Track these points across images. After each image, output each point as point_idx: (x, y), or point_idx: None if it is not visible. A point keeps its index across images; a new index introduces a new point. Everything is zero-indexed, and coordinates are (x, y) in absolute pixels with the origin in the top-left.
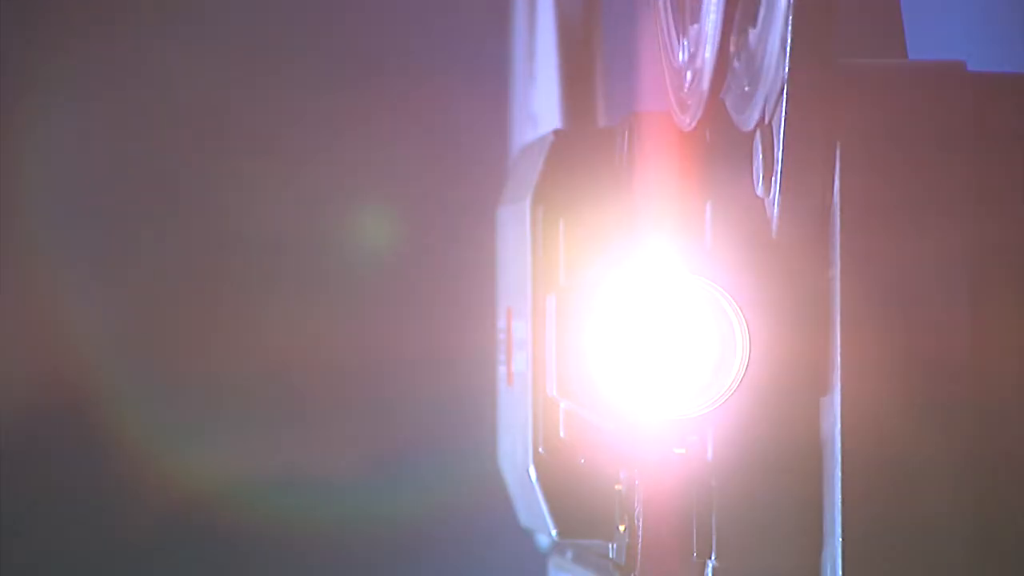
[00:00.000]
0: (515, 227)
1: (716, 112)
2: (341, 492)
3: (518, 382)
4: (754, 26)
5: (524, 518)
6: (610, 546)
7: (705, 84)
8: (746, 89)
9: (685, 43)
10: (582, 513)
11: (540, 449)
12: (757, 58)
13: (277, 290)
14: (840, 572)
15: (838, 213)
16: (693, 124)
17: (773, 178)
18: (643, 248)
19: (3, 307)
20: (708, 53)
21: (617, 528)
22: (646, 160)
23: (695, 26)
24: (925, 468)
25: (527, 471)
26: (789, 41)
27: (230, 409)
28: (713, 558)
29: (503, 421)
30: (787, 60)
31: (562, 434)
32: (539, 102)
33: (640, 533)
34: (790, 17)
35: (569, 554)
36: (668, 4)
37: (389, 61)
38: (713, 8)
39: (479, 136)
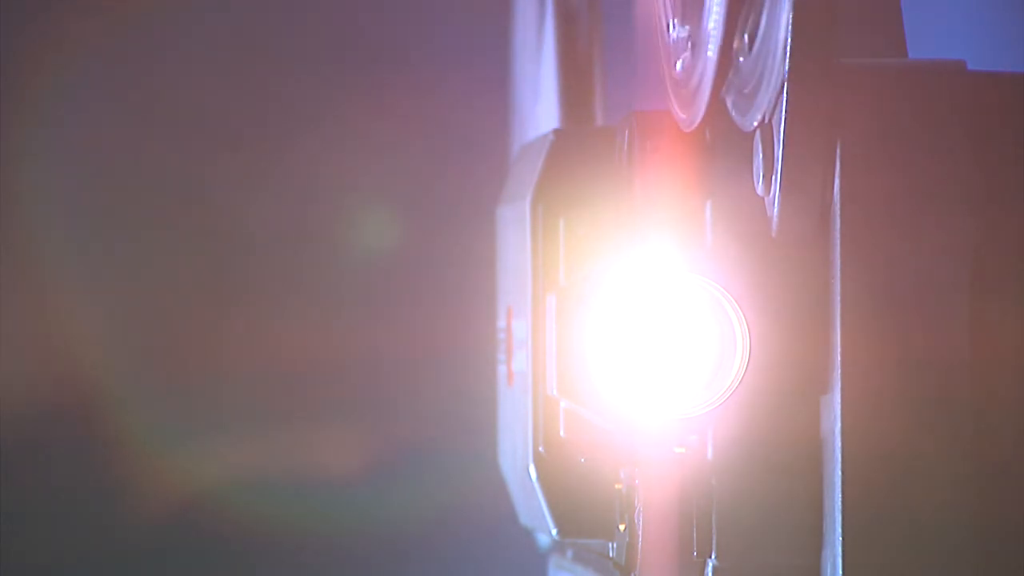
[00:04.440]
0: (515, 227)
1: (716, 111)
2: (341, 492)
3: (518, 382)
4: (757, 26)
5: (524, 517)
6: (610, 545)
7: (707, 84)
8: (748, 89)
9: (687, 42)
10: (582, 512)
11: (540, 448)
12: (759, 58)
13: (277, 290)
14: (840, 572)
15: (838, 212)
16: (694, 124)
17: (773, 177)
18: (643, 247)
19: (4, 307)
20: (711, 53)
21: (617, 528)
22: (646, 159)
23: (697, 25)
24: (925, 467)
25: (527, 470)
26: (789, 41)
27: (230, 409)
28: (713, 558)
29: (503, 421)
30: (787, 60)
31: (562, 433)
32: (539, 102)
33: (640, 532)
34: (790, 17)
35: (569, 553)
36: (669, 2)
37: (389, 61)
38: (716, 7)
39: (479, 136)
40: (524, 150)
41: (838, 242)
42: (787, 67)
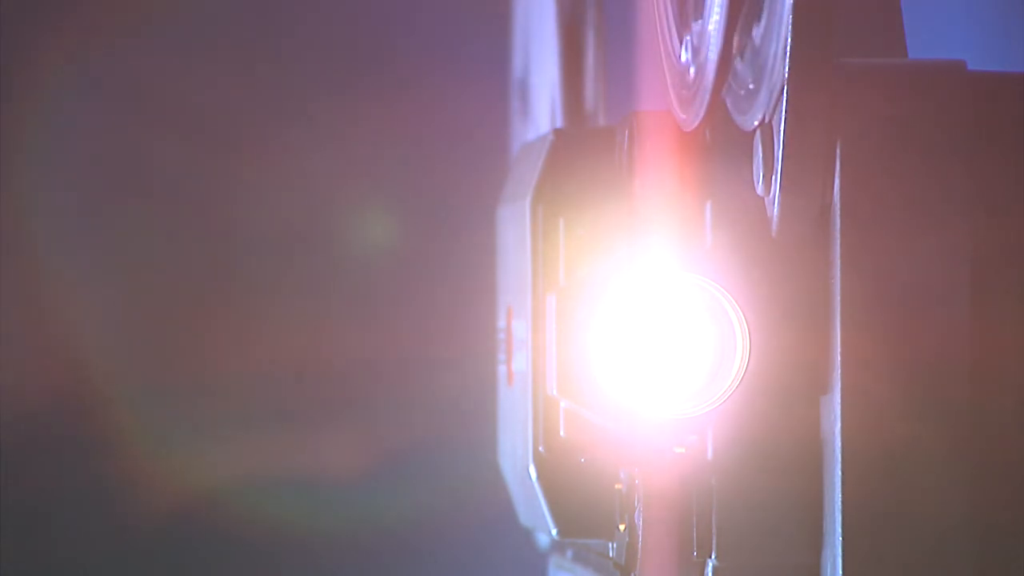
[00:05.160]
0: (515, 226)
1: (716, 111)
2: (341, 492)
3: (518, 382)
4: (756, 26)
5: (524, 517)
6: (610, 545)
7: (707, 83)
8: (747, 89)
9: (687, 42)
10: (582, 512)
11: (540, 448)
12: (759, 58)
13: (277, 290)
14: (840, 572)
15: (838, 213)
16: (695, 124)
17: (773, 177)
18: (643, 247)
19: (3, 307)
20: (711, 52)
21: (617, 527)
22: (646, 159)
23: (697, 25)
24: (925, 467)
25: (527, 470)
26: (789, 41)
27: (230, 409)
28: (713, 557)
29: (503, 421)
30: (787, 60)
31: (562, 433)
32: (539, 102)
33: (640, 532)
34: (790, 17)
35: (569, 553)
36: (670, 3)
37: (389, 61)
38: (716, 7)
39: (479, 136)
40: (524, 150)
41: (838, 242)
42: (787, 67)
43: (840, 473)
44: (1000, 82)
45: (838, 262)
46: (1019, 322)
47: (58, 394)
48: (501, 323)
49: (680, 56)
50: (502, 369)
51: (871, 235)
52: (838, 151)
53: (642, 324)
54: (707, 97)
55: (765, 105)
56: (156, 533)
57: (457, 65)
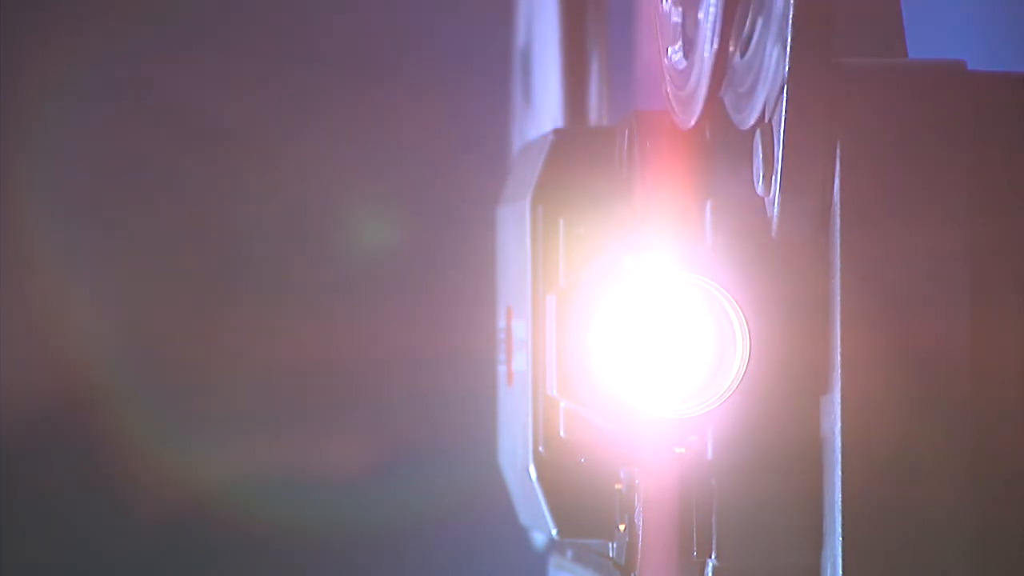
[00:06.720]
0: (515, 227)
1: (716, 111)
2: (341, 492)
3: (518, 382)
4: (754, 25)
5: (524, 517)
6: (610, 546)
7: (705, 83)
8: (745, 88)
9: (685, 42)
10: (582, 512)
11: (540, 448)
12: (757, 57)
13: (277, 290)
14: (840, 572)
15: (838, 213)
16: (693, 123)
17: (773, 177)
18: (643, 247)
19: (3, 307)
20: (707, 52)
21: (617, 528)
22: (646, 159)
23: (695, 25)
24: (925, 467)
25: (527, 470)
26: (789, 41)
27: (230, 409)
28: (713, 557)
29: (503, 421)
30: (787, 60)
31: (562, 433)
32: (539, 101)
33: (640, 532)
34: (790, 17)
35: (569, 553)
36: (668, 2)
37: (389, 60)
38: (713, 7)
39: (479, 136)
40: (524, 150)
41: (838, 242)
42: (787, 67)
43: (840, 473)
44: (1000, 82)
45: (838, 262)
46: (1018, 322)
47: (58, 394)
48: (501, 323)
49: (678, 55)
50: (502, 369)
51: (871, 235)
52: (838, 151)
53: (642, 324)
54: (704, 97)
55: (761, 103)
56: (156, 533)
57: (458, 65)
